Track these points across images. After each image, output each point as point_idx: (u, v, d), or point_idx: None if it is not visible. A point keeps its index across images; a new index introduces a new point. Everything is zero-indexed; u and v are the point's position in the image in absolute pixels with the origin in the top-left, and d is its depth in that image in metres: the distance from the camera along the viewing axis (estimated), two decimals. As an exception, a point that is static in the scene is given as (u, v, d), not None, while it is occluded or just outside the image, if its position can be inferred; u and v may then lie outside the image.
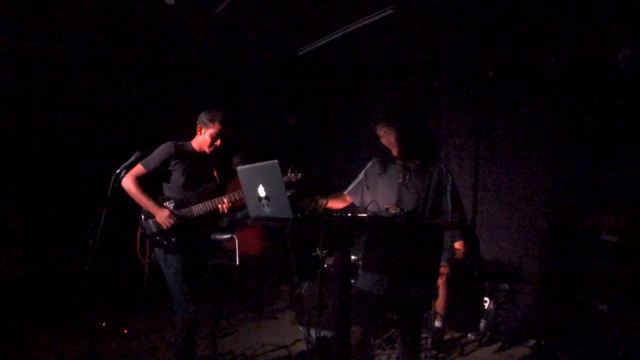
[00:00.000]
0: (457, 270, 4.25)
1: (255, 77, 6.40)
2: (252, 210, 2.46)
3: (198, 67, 5.93)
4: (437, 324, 4.02)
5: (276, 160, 2.18)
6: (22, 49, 4.98)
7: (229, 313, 4.99)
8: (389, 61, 5.52)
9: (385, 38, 5.07)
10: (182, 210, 3.05)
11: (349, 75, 6.10)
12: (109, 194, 2.97)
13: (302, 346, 4.10)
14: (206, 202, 3.06)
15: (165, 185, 3.13)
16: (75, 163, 5.44)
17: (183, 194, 3.08)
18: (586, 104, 4.00)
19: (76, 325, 4.28)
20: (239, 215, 3.25)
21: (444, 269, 4.07)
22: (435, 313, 3.97)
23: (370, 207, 2.64)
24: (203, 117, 3.11)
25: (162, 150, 3.07)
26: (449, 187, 2.74)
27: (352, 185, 3.01)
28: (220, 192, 3.15)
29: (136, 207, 3.10)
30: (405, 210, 2.45)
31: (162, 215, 2.99)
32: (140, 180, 3.04)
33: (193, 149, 3.16)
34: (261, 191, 2.30)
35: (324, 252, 2.39)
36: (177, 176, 3.08)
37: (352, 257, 3.58)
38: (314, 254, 4.24)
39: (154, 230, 3.04)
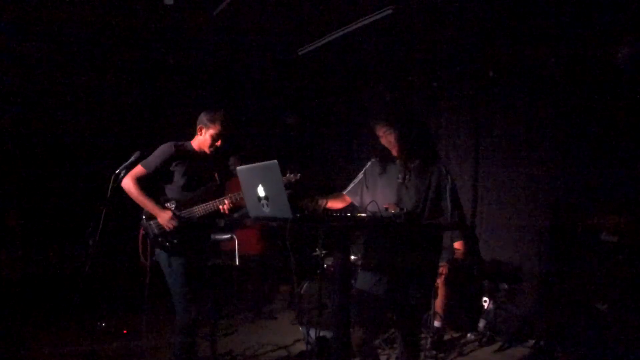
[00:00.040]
0: (456, 270, 4.25)
1: (255, 77, 6.39)
2: (252, 210, 2.45)
3: (198, 67, 5.92)
4: (437, 324, 4.02)
5: (276, 160, 2.18)
6: (22, 49, 4.98)
7: (229, 313, 4.99)
8: (389, 61, 5.51)
9: (385, 38, 5.06)
10: (184, 211, 3.03)
11: (349, 75, 6.10)
12: (109, 194, 2.96)
13: (301, 346, 4.10)
14: (208, 203, 3.04)
15: (165, 186, 3.11)
16: (75, 163, 5.44)
17: (184, 195, 3.06)
18: (586, 104, 4.00)
19: (76, 325, 4.27)
20: (235, 215, 3.24)
21: (443, 269, 4.08)
22: (435, 313, 3.98)
23: (369, 207, 2.64)
24: (203, 117, 3.09)
25: (163, 150, 3.05)
26: (448, 187, 2.74)
27: (351, 186, 3.00)
28: (220, 192, 3.14)
29: (136, 207, 3.08)
30: (405, 211, 2.46)
31: (165, 217, 2.97)
32: (140, 181, 3.01)
33: (193, 149, 3.14)
34: (261, 191, 2.30)
35: (323, 252, 2.39)
36: (178, 177, 3.06)
37: (352, 257, 3.58)
38: (313, 254, 4.24)
39: (156, 231, 3.02)
